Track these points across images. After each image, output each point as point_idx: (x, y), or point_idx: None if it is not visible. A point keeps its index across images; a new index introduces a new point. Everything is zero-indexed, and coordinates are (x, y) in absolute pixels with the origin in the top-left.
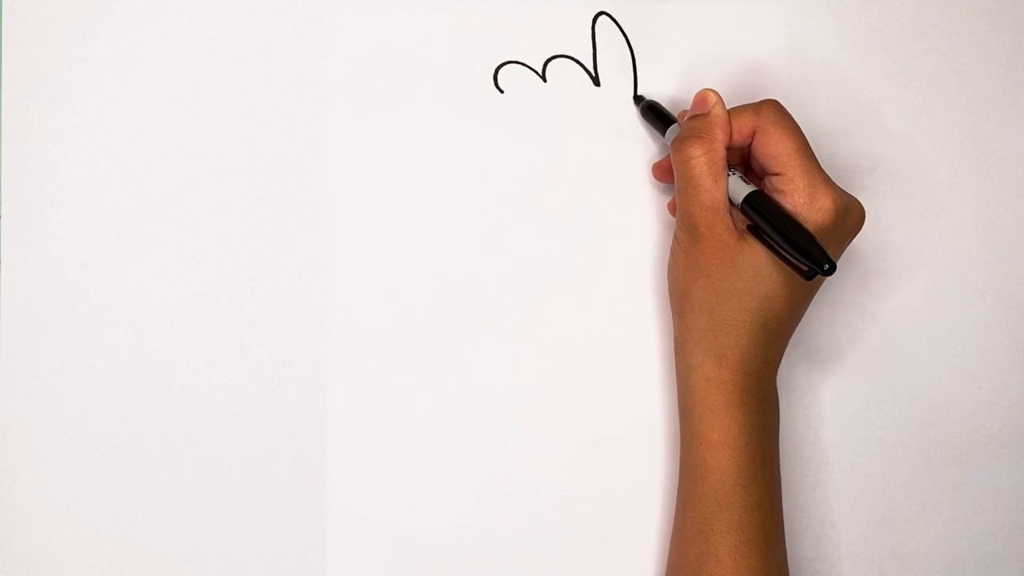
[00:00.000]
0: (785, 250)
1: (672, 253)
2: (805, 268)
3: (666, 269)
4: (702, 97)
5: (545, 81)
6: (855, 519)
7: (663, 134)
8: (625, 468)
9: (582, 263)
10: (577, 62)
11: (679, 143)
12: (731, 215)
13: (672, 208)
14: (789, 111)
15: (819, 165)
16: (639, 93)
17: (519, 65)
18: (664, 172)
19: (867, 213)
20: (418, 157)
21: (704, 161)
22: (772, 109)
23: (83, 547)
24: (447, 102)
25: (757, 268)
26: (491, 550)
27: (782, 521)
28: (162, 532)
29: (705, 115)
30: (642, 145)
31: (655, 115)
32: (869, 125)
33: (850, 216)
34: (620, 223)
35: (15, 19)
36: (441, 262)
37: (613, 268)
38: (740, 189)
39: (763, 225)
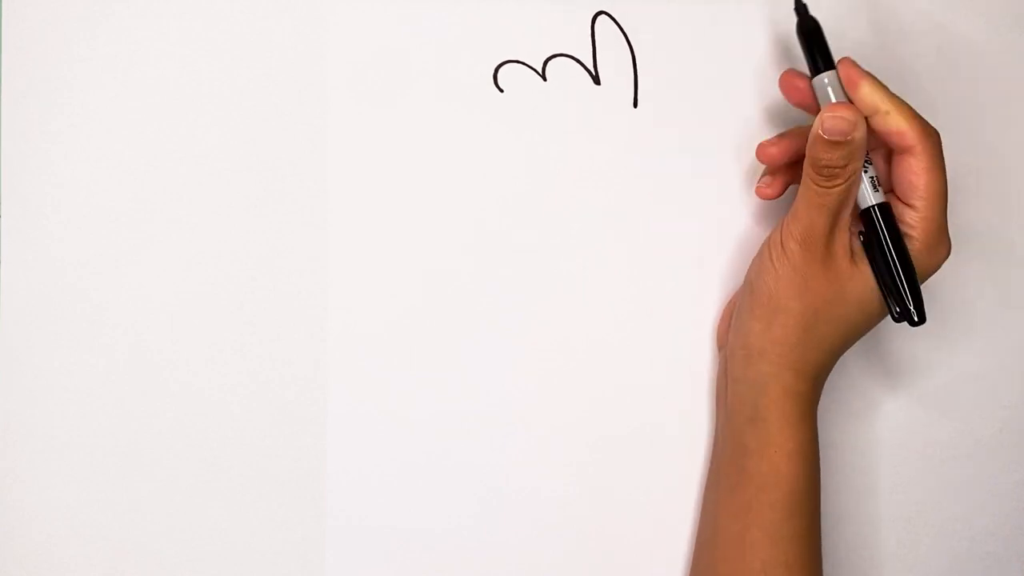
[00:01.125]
0: (885, 282)
1: (769, 258)
2: (898, 311)
3: (663, 266)
4: (841, 110)
5: (545, 80)
6: (855, 519)
7: (811, 74)
8: (625, 468)
9: (582, 263)
10: (577, 61)
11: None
12: (852, 234)
13: (766, 192)
14: (789, 111)
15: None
16: (801, 5)
17: (519, 64)
18: (781, 154)
19: None
20: (418, 157)
21: (847, 187)
22: (938, 141)
23: (83, 547)
24: (447, 102)
25: (862, 299)
26: (491, 550)
27: None
28: (162, 532)
29: (849, 143)
30: (642, 144)
31: (813, 45)
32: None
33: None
34: (620, 223)
35: (15, 19)
36: (441, 262)
37: (613, 268)
38: (867, 193)
39: (877, 243)
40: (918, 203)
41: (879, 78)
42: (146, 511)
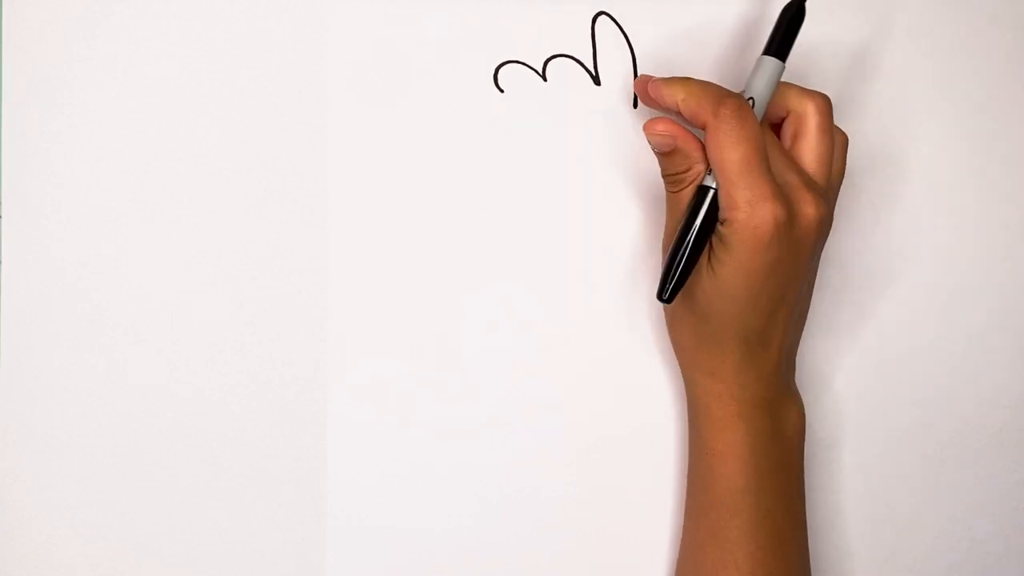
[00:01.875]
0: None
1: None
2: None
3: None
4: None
5: (545, 81)
6: (855, 519)
7: (763, 51)
8: (626, 468)
9: (582, 263)
10: (577, 61)
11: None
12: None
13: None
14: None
15: (760, 176)
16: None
17: (519, 65)
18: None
19: (867, 213)
20: (418, 157)
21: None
22: (723, 117)
23: (83, 547)
24: (447, 102)
25: (721, 290)
26: (491, 550)
27: (802, 524)
28: (162, 532)
29: (679, 149)
30: (643, 144)
31: (784, 29)
32: (869, 125)
33: (799, 221)
34: (620, 223)
35: (15, 19)
36: (441, 262)
37: (613, 268)
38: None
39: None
40: (718, 176)
41: (878, 78)
42: (146, 511)
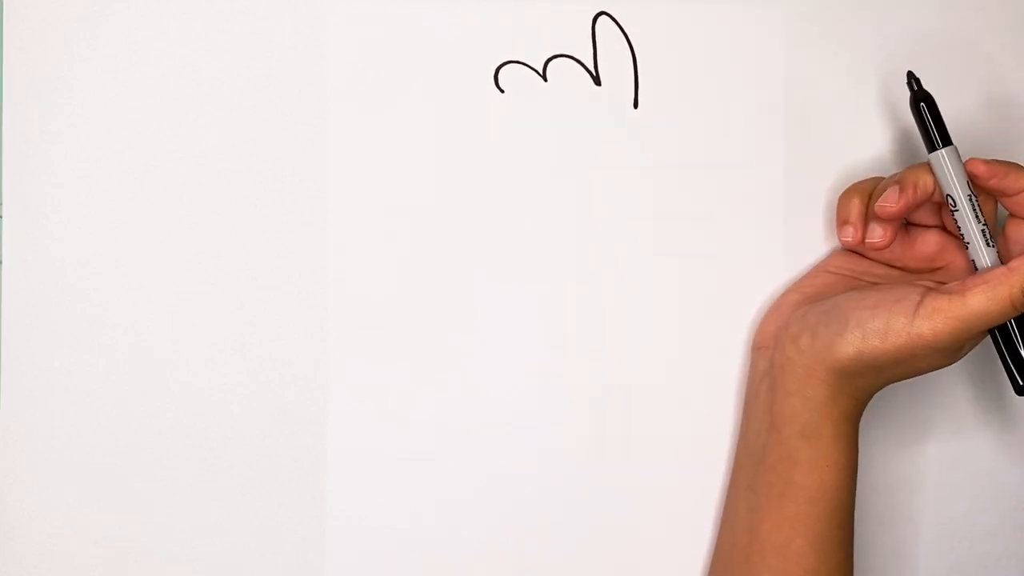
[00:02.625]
0: (1006, 354)
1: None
2: (1021, 384)
3: (662, 266)
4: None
5: (545, 81)
6: (855, 519)
7: (928, 149)
8: (627, 469)
9: (582, 263)
10: (577, 62)
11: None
12: None
13: (851, 240)
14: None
15: None
16: (918, 87)
17: (519, 65)
18: (901, 212)
19: None
20: (418, 157)
21: None
22: None
23: (83, 547)
24: (447, 102)
25: (947, 351)
26: (492, 550)
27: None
28: (162, 532)
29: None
30: (642, 144)
31: (930, 122)
32: (869, 125)
33: None
34: (621, 223)
35: (15, 19)
36: (441, 262)
37: (613, 268)
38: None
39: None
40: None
41: (878, 78)
42: (146, 511)
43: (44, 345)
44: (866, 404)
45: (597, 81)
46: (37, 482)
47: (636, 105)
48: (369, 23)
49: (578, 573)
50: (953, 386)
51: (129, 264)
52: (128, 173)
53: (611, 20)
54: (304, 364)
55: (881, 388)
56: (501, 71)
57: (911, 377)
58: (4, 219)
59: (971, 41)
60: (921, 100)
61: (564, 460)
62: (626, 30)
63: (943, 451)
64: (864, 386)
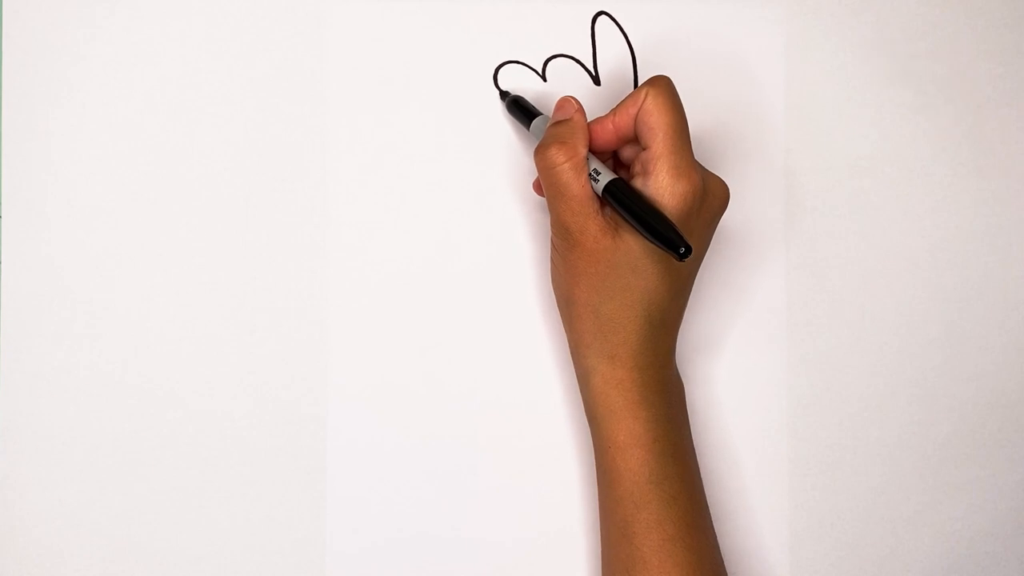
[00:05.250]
0: (644, 235)
1: (552, 260)
2: (681, 251)
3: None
4: (563, 103)
5: (545, 81)
6: (855, 519)
7: (528, 127)
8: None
9: None
10: (577, 62)
11: (542, 150)
12: (603, 214)
13: (537, 187)
14: (790, 111)
15: (688, 148)
16: (503, 89)
17: (519, 65)
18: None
19: (866, 212)
20: (418, 157)
21: (568, 166)
22: (659, 84)
23: (83, 547)
24: (447, 102)
25: (633, 263)
26: (492, 550)
27: (706, 511)
28: (162, 532)
29: (567, 121)
30: None
31: (520, 110)
32: (869, 125)
33: (711, 199)
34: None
35: (15, 19)
36: (441, 262)
37: None
38: (605, 179)
39: (622, 212)
40: (650, 142)
41: (878, 78)
42: (146, 511)
43: (44, 345)
44: (639, 364)
45: (597, 81)
46: (37, 482)
47: None
48: (369, 23)
49: (578, 573)
50: (953, 386)
51: (129, 264)
52: (128, 173)
53: (611, 20)
54: (304, 364)
55: (628, 334)
56: (501, 71)
57: (635, 303)
58: (4, 219)
59: (971, 40)
60: (512, 102)
61: (565, 461)
62: (626, 30)
63: (942, 451)
64: (608, 341)
